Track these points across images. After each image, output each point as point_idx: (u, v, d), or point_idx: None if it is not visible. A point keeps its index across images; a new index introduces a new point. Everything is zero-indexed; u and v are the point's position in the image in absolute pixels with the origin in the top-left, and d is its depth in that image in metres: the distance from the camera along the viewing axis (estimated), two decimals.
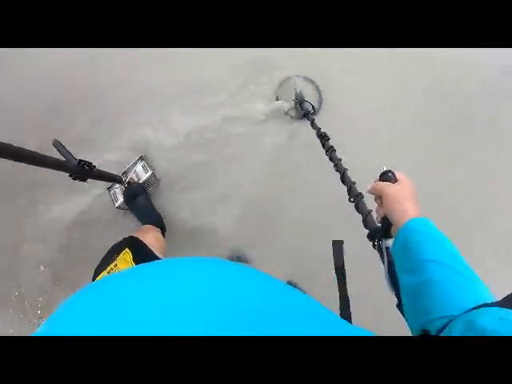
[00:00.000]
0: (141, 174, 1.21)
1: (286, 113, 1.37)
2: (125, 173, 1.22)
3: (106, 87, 1.38)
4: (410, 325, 0.43)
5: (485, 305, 0.33)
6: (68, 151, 0.85)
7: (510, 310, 0.30)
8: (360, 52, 1.44)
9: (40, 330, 0.25)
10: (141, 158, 1.25)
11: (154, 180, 1.24)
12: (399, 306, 0.46)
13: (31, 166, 0.66)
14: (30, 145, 0.64)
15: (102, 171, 0.93)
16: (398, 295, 0.47)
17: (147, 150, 1.30)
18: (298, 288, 0.56)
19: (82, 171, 0.76)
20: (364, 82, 1.45)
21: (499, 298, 0.33)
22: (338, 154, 0.87)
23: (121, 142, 1.30)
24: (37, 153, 0.67)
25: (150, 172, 1.21)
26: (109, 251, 0.67)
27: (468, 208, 1.35)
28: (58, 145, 0.87)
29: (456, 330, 0.31)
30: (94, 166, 0.82)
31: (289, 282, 0.63)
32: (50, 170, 0.72)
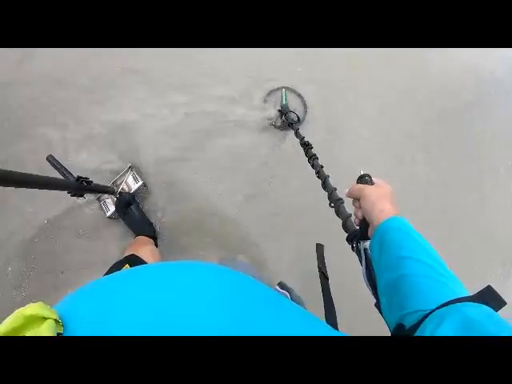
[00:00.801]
0: (131, 184, 1.23)
1: (272, 123, 1.43)
2: (115, 183, 1.24)
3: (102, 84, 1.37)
4: (387, 322, 0.44)
5: (458, 299, 0.33)
6: (63, 166, 0.87)
7: (482, 305, 0.32)
8: (351, 59, 1.51)
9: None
10: (130, 168, 1.26)
11: (144, 189, 1.27)
12: (377, 304, 0.49)
13: None
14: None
15: (97, 184, 0.96)
16: (375, 294, 0.50)
17: (137, 157, 1.31)
18: (288, 290, 0.63)
19: (81, 188, 0.79)
20: (351, 92, 1.51)
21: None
22: (321, 161, 0.95)
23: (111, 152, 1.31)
24: (37, 176, 0.67)
25: (140, 182, 1.23)
26: (111, 267, 0.71)
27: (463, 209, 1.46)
28: (52, 160, 0.88)
29: (429, 326, 0.31)
30: (91, 182, 0.84)
31: (280, 285, 0.70)
32: None
